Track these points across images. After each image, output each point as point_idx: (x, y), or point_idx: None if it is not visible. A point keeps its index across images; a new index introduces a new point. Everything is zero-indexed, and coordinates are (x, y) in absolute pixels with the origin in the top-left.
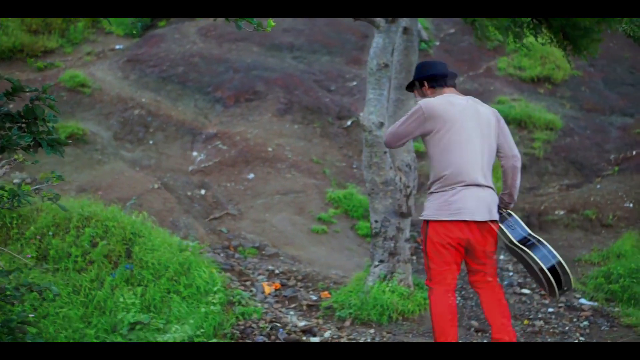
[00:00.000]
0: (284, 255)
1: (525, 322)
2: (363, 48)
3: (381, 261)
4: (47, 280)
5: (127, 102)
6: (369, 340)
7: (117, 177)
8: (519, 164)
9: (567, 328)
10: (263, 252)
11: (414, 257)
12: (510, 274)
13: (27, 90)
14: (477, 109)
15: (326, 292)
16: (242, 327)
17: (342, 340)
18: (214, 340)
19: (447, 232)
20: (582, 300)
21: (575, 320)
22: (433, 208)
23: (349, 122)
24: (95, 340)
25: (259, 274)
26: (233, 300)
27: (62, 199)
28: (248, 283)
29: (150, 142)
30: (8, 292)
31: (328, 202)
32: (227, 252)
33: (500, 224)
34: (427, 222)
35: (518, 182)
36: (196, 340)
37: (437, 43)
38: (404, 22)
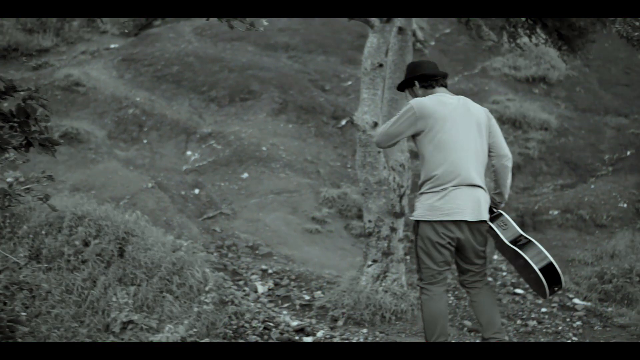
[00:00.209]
0: (277, 254)
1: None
2: (358, 48)
3: (374, 261)
4: (39, 279)
5: (122, 101)
6: (361, 340)
7: (111, 176)
8: (509, 164)
9: (560, 328)
10: (256, 252)
11: (407, 257)
12: (504, 274)
13: (20, 89)
14: (468, 108)
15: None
16: (235, 326)
17: (335, 340)
18: (207, 340)
19: (438, 232)
20: (576, 300)
21: (568, 320)
22: (424, 208)
23: (343, 122)
24: (87, 340)
25: (253, 274)
26: (226, 299)
27: (55, 198)
28: (241, 282)
29: (145, 141)
30: None
31: (322, 201)
32: (221, 251)
33: (491, 224)
34: (418, 222)
35: (509, 181)
36: (189, 339)
37: (433, 43)
38: (398, 22)
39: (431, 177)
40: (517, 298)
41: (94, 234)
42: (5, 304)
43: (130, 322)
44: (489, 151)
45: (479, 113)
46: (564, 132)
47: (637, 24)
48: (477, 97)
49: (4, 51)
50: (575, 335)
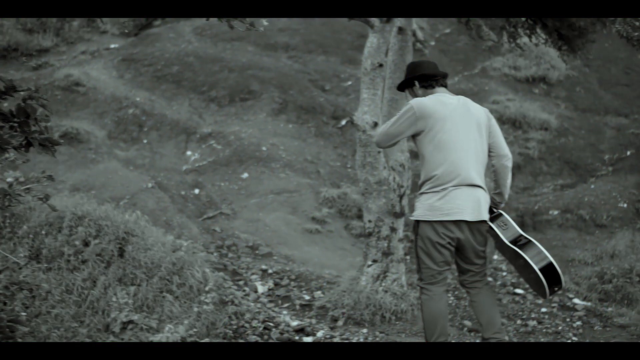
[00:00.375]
0: (277, 254)
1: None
2: (358, 48)
3: (374, 261)
4: (39, 279)
5: (122, 101)
6: (361, 340)
7: (111, 176)
8: (509, 164)
9: (560, 328)
10: (256, 252)
11: (408, 257)
12: (504, 274)
13: (20, 89)
14: (468, 108)
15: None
16: (235, 326)
17: (335, 340)
18: (207, 340)
19: (438, 232)
20: (576, 300)
21: (568, 320)
22: (424, 208)
23: (343, 122)
24: (87, 340)
25: (253, 274)
26: (226, 299)
27: (55, 198)
28: (241, 282)
29: (145, 141)
30: None
31: (322, 201)
32: (221, 251)
33: (491, 224)
34: (418, 222)
35: (509, 181)
36: (189, 339)
37: (433, 43)
38: (398, 22)
39: (431, 177)
40: (517, 298)
41: (94, 234)
42: (5, 304)
43: (130, 322)
44: (489, 151)
45: (479, 113)
46: (564, 132)
47: (637, 24)
48: (477, 97)
49: (4, 51)
50: (575, 335)
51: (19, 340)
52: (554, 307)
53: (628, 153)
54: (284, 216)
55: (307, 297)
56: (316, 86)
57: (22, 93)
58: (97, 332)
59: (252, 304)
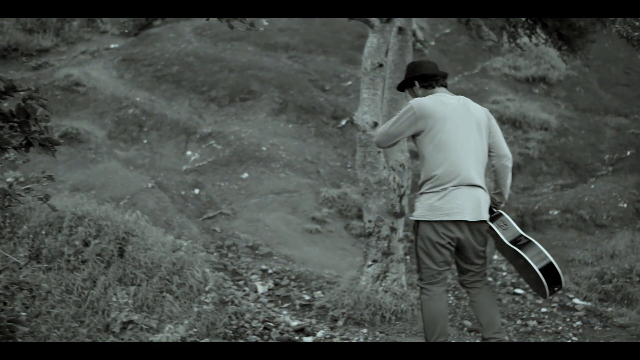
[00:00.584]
0: (277, 254)
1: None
2: (358, 48)
3: (374, 261)
4: (39, 279)
5: (122, 101)
6: (361, 340)
7: (111, 176)
8: (509, 164)
9: (560, 328)
10: (256, 252)
11: (408, 257)
12: (504, 274)
13: (20, 89)
14: (468, 108)
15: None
16: (235, 326)
17: (335, 340)
18: (207, 340)
19: (438, 232)
20: (576, 300)
21: (568, 320)
22: (424, 208)
23: (343, 122)
24: (87, 340)
25: (253, 274)
26: (226, 299)
27: (55, 198)
28: (241, 282)
29: (145, 141)
30: None
31: (322, 201)
32: (221, 251)
33: (491, 224)
34: (418, 222)
35: (509, 181)
36: (189, 339)
37: (433, 43)
38: (398, 22)
39: (431, 177)
40: (517, 298)
41: (94, 234)
42: (5, 304)
43: (130, 322)
44: (489, 151)
45: (479, 113)
46: (564, 132)
47: (637, 24)
48: (477, 97)
49: (4, 51)
50: (575, 335)
51: (19, 340)
52: (554, 307)
53: (628, 153)
54: (284, 216)
55: (307, 297)
56: (316, 86)
57: (22, 93)
58: (97, 332)
59: (252, 304)
